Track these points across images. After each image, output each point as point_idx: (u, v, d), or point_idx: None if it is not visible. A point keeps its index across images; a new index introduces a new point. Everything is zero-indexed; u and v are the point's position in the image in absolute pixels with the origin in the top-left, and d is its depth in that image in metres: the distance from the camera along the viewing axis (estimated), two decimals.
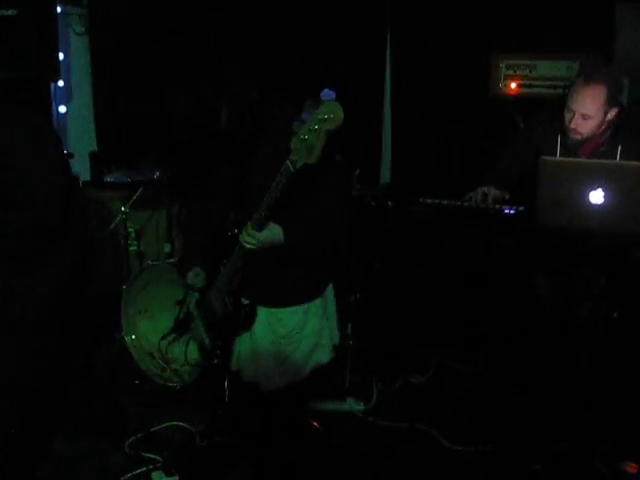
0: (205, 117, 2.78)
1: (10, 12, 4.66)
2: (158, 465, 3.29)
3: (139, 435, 3.54)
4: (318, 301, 2.83)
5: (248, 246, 2.57)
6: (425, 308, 4.40)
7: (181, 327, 3.97)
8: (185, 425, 3.64)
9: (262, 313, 2.80)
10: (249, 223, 2.54)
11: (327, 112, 2.22)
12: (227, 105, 2.60)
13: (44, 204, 2.46)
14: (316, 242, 2.67)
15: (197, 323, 3.06)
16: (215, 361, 2.99)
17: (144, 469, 3.26)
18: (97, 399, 3.93)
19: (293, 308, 2.77)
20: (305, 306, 2.79)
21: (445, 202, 3.31)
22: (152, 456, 3.36)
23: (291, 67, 4.87)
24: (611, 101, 2.99)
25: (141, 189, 4.64)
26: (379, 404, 3.85)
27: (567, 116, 3.06)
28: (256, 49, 4.83)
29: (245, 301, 2.82)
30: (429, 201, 3.34)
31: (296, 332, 2.77)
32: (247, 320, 2.80)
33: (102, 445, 3.48)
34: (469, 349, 4.22)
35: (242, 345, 2.87)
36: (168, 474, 3.22)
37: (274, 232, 2.55)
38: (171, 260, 4.35)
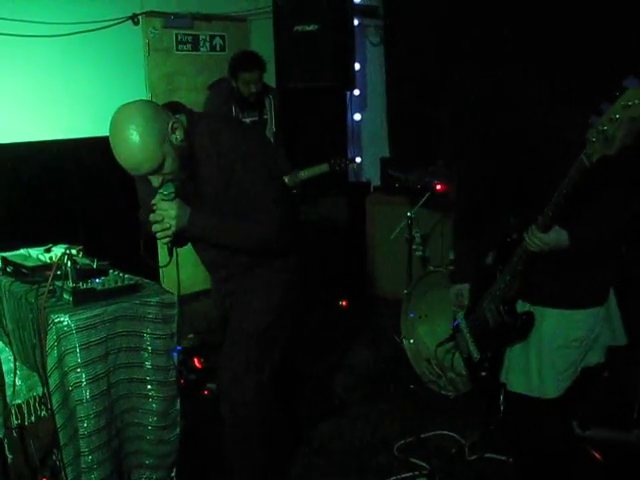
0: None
1: (312, 27, 5.00)
2: (424, 472, 3.26)
3: (408, 440, 3.53)
4: (606, 303, 2.64)
5: (531, 248, 2.46)
6: None
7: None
8: (455, 436, 3.56)
9: (551, 315, 2.61)
10: (534, 225, 2.43)
11: (630, 99, 2.03)
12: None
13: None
14: (606, 242, 2.50)
15: (464, 336, 2.97)
16: (483, 374, 2.89)
17: (410, 474, 3.24)
18: (372, 399, 4.02)
19: (591, 310, 2.58)
20: (599, 308, 2.59)
21: None
22: (419, 462, 3.33)
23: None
24: None
25: (428, 194, 4.65)
26: None
27: None
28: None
29: (523, 307, 2.66)
30: None
31: (587, 335, 2.58)
32: (524, 329, 2.64)
33: (372, 444, 3.55)
34: None
35: (512, 354, 2.73)
36: None
37: (560, 235, 2.42)
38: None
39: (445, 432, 3.60)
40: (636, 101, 2.02)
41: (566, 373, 2.61)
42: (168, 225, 2.48)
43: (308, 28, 4.99)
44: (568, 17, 4.61)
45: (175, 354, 2.63)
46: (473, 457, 3.38)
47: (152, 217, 2.51)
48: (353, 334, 4.86)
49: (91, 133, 5.11)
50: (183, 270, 5.72)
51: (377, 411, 3.88)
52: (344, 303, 5.23)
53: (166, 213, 2.47)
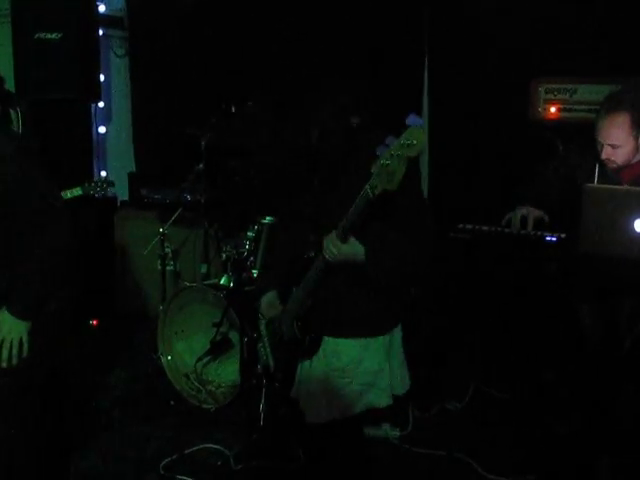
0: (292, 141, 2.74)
1: (54, 35, 4.79)
2: None
3: (173, 457, 3.50)
4: (380, 339, 2.68)
5: (328, 256, 2.49)
6: (462, 334, 4.34)
7: (217, 349, 4.02)
8: (220, 448, 3.60)
9: (325, 342, 2.69)
10: (334, 232, 2.47)
11: (410, 138, 2.15)
12: (321, 130, 2.58)
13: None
14: (400, 269, 2.59)
15: (264, 343, 2.99)
16: (276, 384, 2.98)
17: None
18: (131, 419, 3.93)
19: (350, 341, 2.64)
20: (364, 341, 2.64)
21: (485, 228, 3.26)
22: (186, 479, 3.33)
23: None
24: (639, 125, 2.90)
25: (180, 210, 4.66)
26: (415, 431, 3.78)
27: (598, 147, 3.00)
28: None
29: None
30: (469, 227, 3.29)
31: (350, 367, 2.63)
32: (311, 347, 2.69)
33: (136, 466, 3.47)
34: (507, 376, 4.14)
35: (302, 373, 2.78)
36: None
37: (357, 248, 2.49)
38: (208, 282, 4.36)
39: (209, 445, 3.63)
40: (414, 141, 2.15)
41: (330, 402, 2.65)
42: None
43: (50, 36, 4.76)
44: None
45: None
46: (239, 467, 3.44)
47: None
48: (107, 353, 4.71)
49: None
50: None
51: (138, 431, 3.80)
52: (94, 322, 5.04)
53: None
